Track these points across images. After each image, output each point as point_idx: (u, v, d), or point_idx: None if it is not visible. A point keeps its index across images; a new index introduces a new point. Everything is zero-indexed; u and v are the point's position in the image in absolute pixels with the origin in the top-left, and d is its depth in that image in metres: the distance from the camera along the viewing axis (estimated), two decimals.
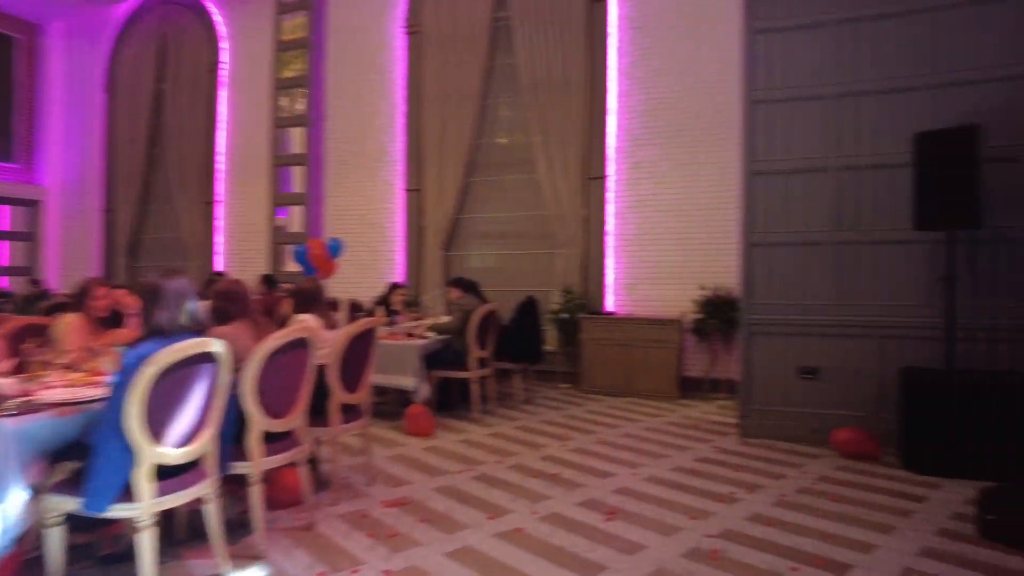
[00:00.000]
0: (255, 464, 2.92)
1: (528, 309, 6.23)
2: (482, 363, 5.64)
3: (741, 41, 5.13)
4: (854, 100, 4.81)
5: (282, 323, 4.04)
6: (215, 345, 2.57)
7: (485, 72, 7.85)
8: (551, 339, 7.09)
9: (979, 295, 4.46)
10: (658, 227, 7.02)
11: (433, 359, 5.44)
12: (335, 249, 6.92)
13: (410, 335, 5.58)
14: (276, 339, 2.95)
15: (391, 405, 5.77)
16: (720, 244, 6.52)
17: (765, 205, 5.02)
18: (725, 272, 6.29)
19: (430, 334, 5.65)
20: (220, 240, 9.75)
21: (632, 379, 6.54)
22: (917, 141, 4.32)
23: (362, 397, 3.81)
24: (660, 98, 7.06)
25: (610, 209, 7.25)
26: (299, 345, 3.10)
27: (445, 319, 6.09)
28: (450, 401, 5.78)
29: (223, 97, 9.73)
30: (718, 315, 6.37)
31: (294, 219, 9.23)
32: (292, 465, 3.22)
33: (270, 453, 3.03)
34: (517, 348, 6.09)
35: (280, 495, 3.46)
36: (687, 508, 3.47)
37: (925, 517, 3.36)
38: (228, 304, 3.22)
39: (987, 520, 3.12)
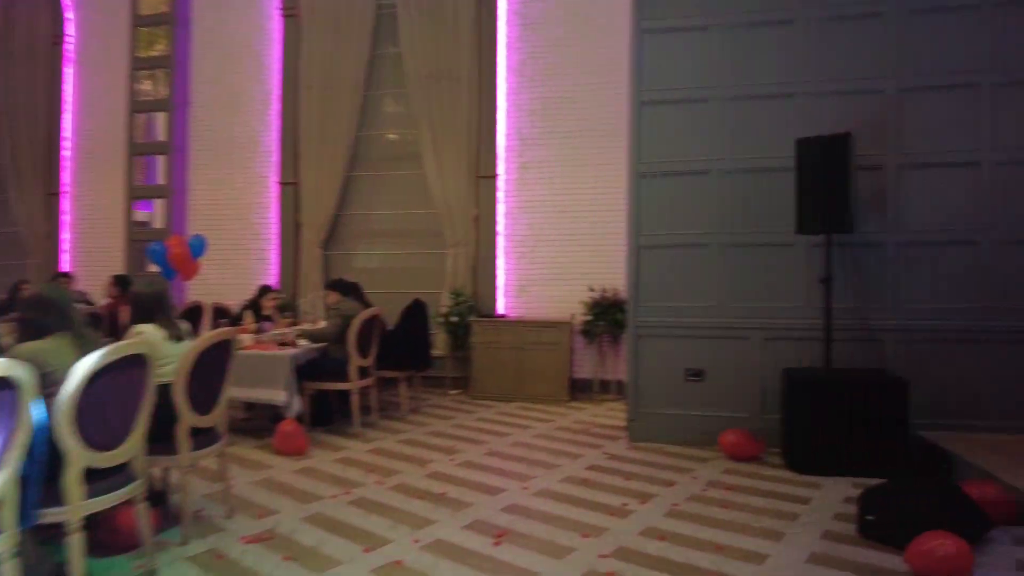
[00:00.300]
0: (73, 508, 2.42)
1: (415, 313, 5.89)
2: (363, 372, 5.24)
3: (629, 41, 5.07)
4: (738, 104, 4.86)
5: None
6: (11, 368, 2.06)
7: (368, 61, 7.41)
8: (440, 343, 6.79)
9: (853, 297, 4.63)
10: (549, 228, 6.89)
11: (308, 369, 4.98)
12: (197, 248, 6.24)
13: (282, 344, 5.09)
14: (102, 356, 2.46)
15: (260, 421, 5.25)
16: (609, 245, 6.49)
17: (652, 207, 4.98)
18: (614, 273, 6.26)
19: (304, 342, 5.18)
20: (67, 236, 8.63)
21: (523, 383, 6.37)
22: (798, 146, 4.40)
23: (217, 418, 3.34)
24: (550, 97, 6.94)
25: (501, 209, 7.04)
26: (133, 363, 2.62)
27: (322, 324, 5.62)
28: (328, 415, 5.32)
29: (69, 75, 8.62)
30: (606, 316, 6.32)
31: (158, 214, 8.32)
32: (128, 503, 2.73)
33: (97, 492, 2.53)
34: (403, 355, 5.74)
35: (114, 538, 2.94)
36: (579, 524, 3.29)
37: (810, 520, 3.38)
38: (40, 314, 2.67)
39: (867, 521, 3.16)
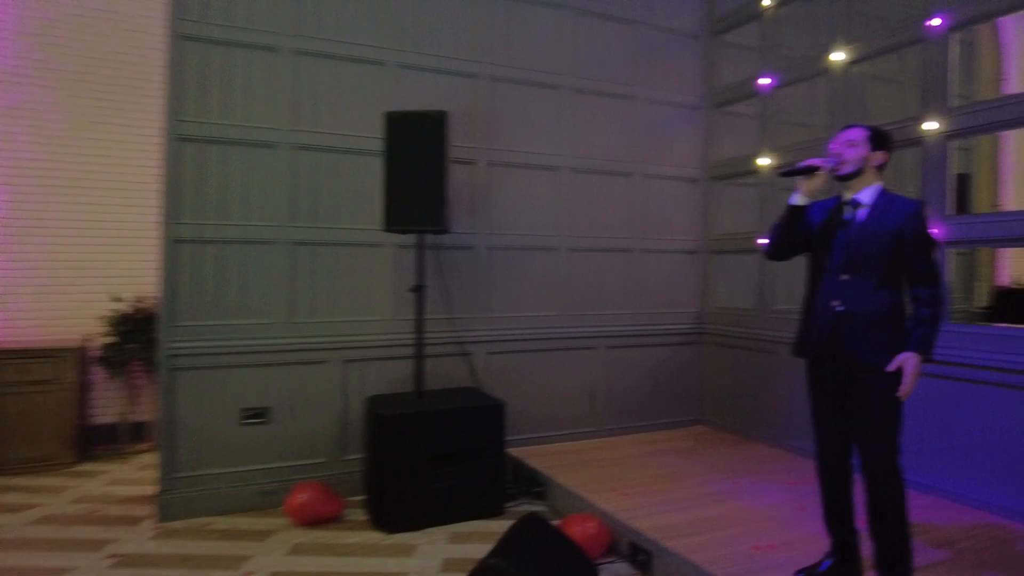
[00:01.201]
0: None
1: None
2: None
3: None
4: (316, 63, 3.79)
5: None
6: None
7: None
8: None
9: (447, 307, 4.00)
10: (51, 209, 4.72)
11: None
12: None
13: None
14: None
15: None
16: (145, 238, 4.73)
17: (198, 186, 3.56)
18: (149, 277, 4.54)
19: None
20: None
21: (1, 445, 4.17)
22: (388, 121, 3.53)
23: None
24: (55, 22, 4.80)
25: None
26: None
27: None
28: None
29: None
30: (139, 337, 4.56)
31: None
32: None
33: None
34: None
35: None
36: None
37: None
38: None
39: None
